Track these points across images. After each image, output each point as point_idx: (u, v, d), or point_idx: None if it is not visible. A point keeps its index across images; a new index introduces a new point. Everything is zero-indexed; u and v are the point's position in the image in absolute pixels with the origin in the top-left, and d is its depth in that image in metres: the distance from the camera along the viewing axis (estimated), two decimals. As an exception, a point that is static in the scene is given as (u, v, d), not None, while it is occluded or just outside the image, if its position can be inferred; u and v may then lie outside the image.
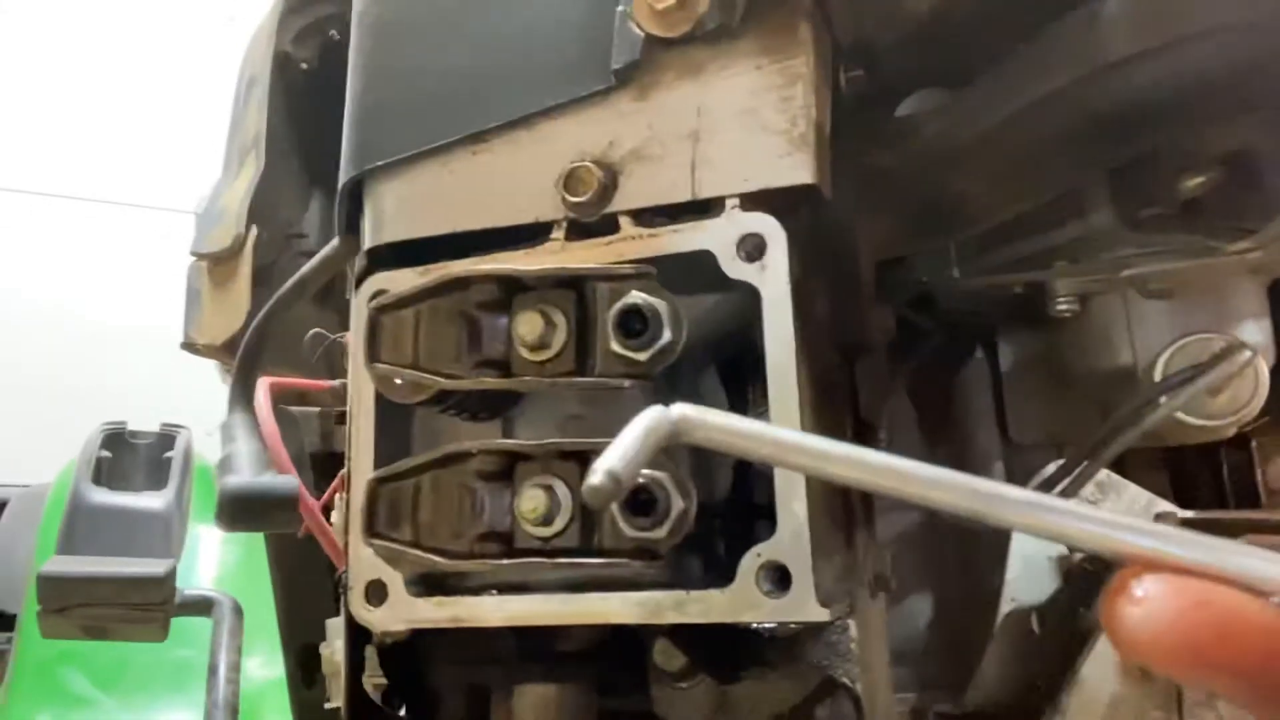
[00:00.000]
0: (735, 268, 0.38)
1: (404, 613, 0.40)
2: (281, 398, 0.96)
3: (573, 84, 0.42)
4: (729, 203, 0.39)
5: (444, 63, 0.44)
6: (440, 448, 0.37)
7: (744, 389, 0.43)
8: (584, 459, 0.35)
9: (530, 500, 0.35)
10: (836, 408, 0.45)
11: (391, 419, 0.43)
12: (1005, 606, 0.49)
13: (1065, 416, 0.53)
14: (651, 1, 0.40)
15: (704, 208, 0.39)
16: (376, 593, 0.41)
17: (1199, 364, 0.37)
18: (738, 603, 0.35)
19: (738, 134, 0.39)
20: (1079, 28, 0.33)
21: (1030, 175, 0.39)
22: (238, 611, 0.98)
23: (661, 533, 0.34)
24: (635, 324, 0.35)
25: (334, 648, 0.93)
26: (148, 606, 0.99)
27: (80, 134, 3.52)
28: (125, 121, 3.54)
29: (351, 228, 0.49)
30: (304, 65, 1.18)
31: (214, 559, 2.09)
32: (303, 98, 1.15)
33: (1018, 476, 0.57)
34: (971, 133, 0.38)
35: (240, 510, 0.45)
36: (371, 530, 0.39)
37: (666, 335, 0.35)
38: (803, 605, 0.35)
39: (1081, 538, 0.24)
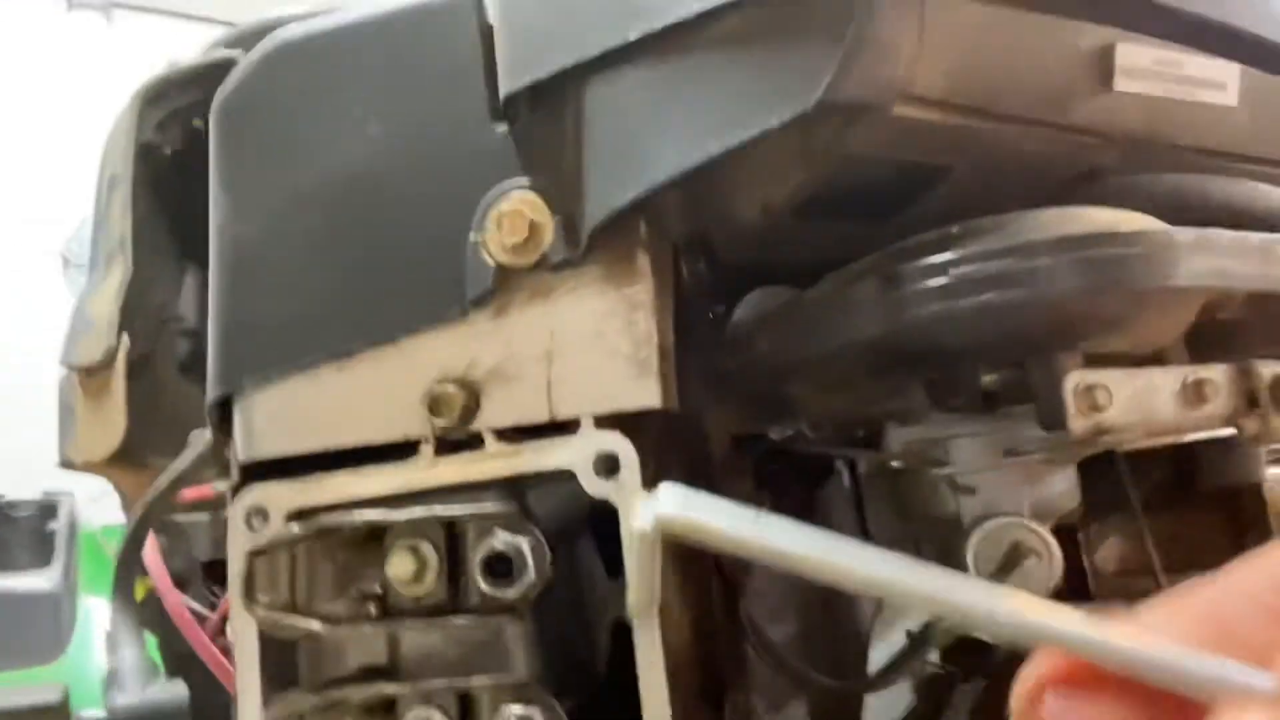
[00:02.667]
0: (594, 485, 0.41)
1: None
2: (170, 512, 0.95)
3: (433, 306, 0.44)
4: (584, 422, 0.42)
5: (307, 284, 0.46)
6: (343, 693, 0.39)
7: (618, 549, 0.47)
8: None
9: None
10: (703, 568, 0.49)
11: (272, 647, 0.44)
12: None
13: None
14: (501, 237, 0.42)
15: (562, 426, 0.42)
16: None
17: (1002, 562, 0.42)
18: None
19: (588, 356, 0.42)
20: (883, 289, 0.38)
21: (853, 389, 0.43)
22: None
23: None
24: (501, 566, 0.38)
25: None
26: (46, 732, 0.97)
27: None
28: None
29: (223, 428, 0.51)
30: (168, 150, 1.16)
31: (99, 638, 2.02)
32: (169, 182, 1.12)
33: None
34: (796, 356, 0.42)
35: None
36: None
37: (530, 576, 0.38)
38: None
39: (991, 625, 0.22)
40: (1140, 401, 0.38)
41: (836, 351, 0.40)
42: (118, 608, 0.53)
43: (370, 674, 0.42)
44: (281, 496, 0.45)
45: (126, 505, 1.07)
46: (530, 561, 0.38)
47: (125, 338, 0.99)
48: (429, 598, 0.39)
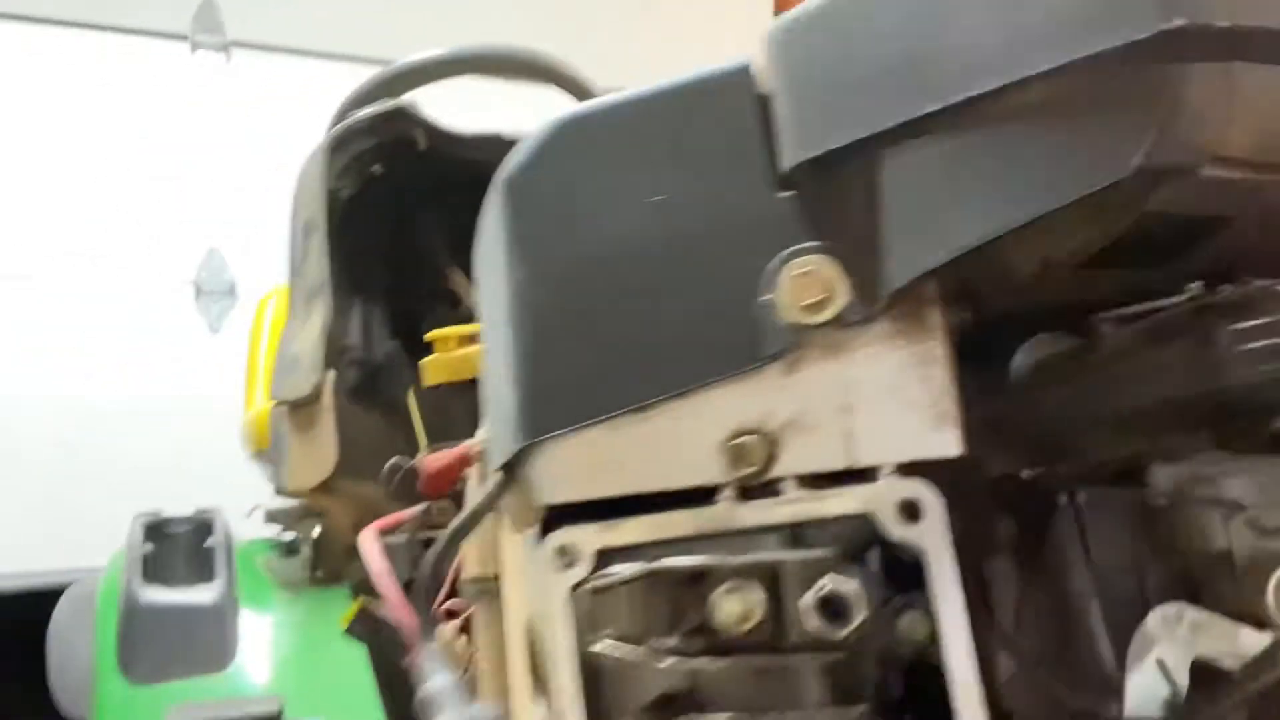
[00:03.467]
0: (897, 530, 0.43)
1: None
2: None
3: (724, 362, 0.47)
4: (885, 470, 0.44)
5: (604, 345, 0.50)
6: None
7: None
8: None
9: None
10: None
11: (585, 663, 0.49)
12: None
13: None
14: (796, 297, 0.45)
15: (860, 474, 0.45)
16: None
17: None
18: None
19: (886, 408, 0.45)
20: (1200, 349, 0.39)
21: (1144, 437, 0.45)
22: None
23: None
24: (834, 608, 0.41)
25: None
26: (265, 741, 1.04)
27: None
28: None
29: (510, 471, 0.55)
30: (344, 194, 1.24)
31: (263, 649, 2.12)
32: (343, 224, 1.20)
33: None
34: (1096, 409, 0.44)
35: (458, 751, 0.50)
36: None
37: (863, 615, 0.41)
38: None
39: None
40: None
41: (1143, 407, 0.42)
42: (423, 636, 0.57)
43: (675, 703, 0.46)
44: (589, 538, 0.49)
45: (331, 527, 1.15)
46: (863, 602, 0.41)
47: (331, 374, 1.07)
48: (755, 635, 0.42)
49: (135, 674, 1.92)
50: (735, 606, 0.43)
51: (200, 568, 2.35)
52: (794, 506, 0.45)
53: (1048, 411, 0.47)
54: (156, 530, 2.38)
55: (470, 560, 0.81)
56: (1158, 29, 0.37)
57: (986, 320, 0.50)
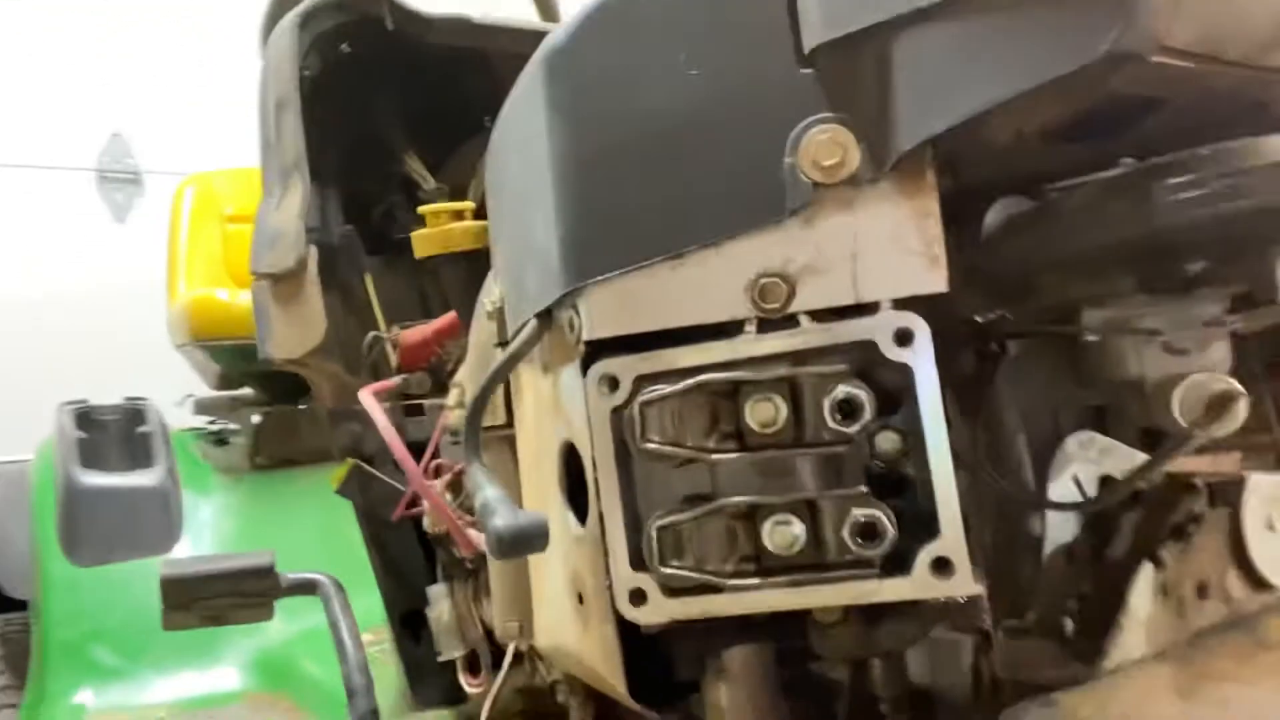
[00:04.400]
0: (892, 352, 0.53)
1: (662, 612, 0.56)
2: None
3: (750, 215, 0.56)
4: (884, 304, 0.54)
5: (643, 200, 0.57)
6: (716, 504, 0.53)
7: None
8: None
9: (779, 532, 0.52)
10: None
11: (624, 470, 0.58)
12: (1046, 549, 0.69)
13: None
14: (816, 160, 0.54)
15: (862, 309, 0.54)
16: (638, 597, 0.57)
17: (1210, 410, 0.55)
18: (917, 586, 0.53)
19: (887, 253, 0.54)
20: (1140, 200, 0.49)
21: (1088, 279, 0.55)
22: (339, 587, 1.11)
23: (876, 551, 0.50)
24: (848, 408, 0.51)
25: (440, 609, 1.09)
26: (259, 593, 1.11)
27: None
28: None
29: (546, 315, 0.63)
30: (308, 74, 1.25)
31: (210, 530, 2.17)
32: (306, 106, 1.22)
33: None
34: (1056, 253, 0.54)
35: (514, 546, 0.59)
36: (641, 563, 0.55)
37: (868, 414, 0.51)
38: (965, 584, 0.52)
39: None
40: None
41: (1094, 249, 0.52)
42: (468, 455, 0.65)
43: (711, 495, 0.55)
44: (629, 366, 0.57)
45: (321, 396, 1.20)
46: (868, 404, 0.50)
47: (313, 248, 1.11)
48: (781, 435, 0.52)
49: (80, 556, 1.95)
50: (764, 413, 0.52)
51: (134, 454, 2.35)
52: (808, 336, 0.55)
53: (1010, 259, 0.57)
54: (86, 418, 2.36)
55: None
56: (1129, -64, 0.45)
57: (962, 186, 0.59)
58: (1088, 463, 0.72)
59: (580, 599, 0.63)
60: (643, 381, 0.57)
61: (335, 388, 1.16)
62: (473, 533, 1.07)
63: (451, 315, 1.19)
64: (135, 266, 3.36)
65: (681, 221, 0.57)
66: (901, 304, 0.54)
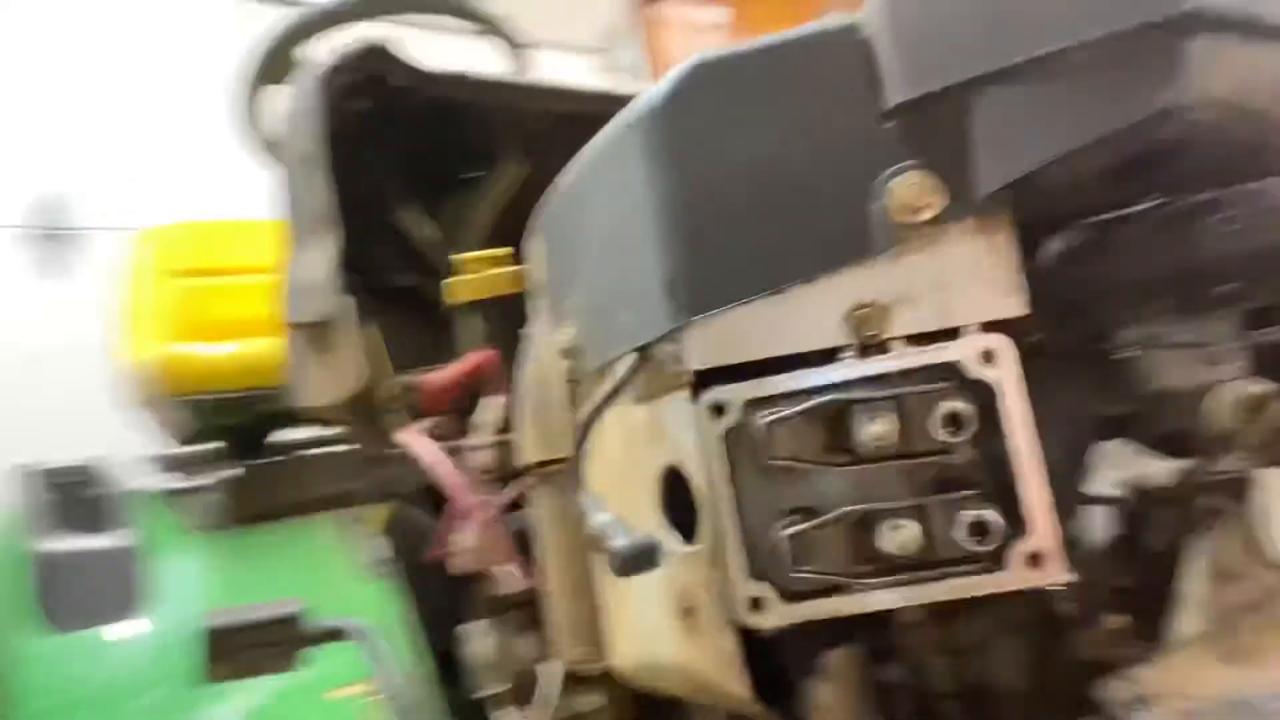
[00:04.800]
0: (978, 371, 0.60)
1: (781, 615, 0.61)
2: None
3: (842, 254, 0.62)
4: (969, 328, 0.61)
5: (744, 244, 0.63)
6: (840, 511, 0.58)
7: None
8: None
9: (896, 535, 0.57)
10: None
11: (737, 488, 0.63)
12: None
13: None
14: (903, 203, 0.61)
15: (950, 333, 0.61)
16: (757, 604, 0.62)
17: (1249, 411, 0.63)
18: (1016, 579, 0.59)
19: (970, 283, 0.61)
20: (1183, 232, 0.58)
21: (1140, 302, 0.64)
22: (366, 631, 1.12)
23: (989, 546, 0.57)
24: (955, 420, 0.57)
25: (481, 645, 1.11)
26: (287, 641, 1.12)
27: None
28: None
29: (645, 351, 0.69)
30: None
31: (193, 588, 2.12)
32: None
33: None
34: (1099, 284, 0.62)
35: (635, 564, 0.63)
36: (758, 572, 0.60)
37: (975, 427, 0.57)
38: (1058, 574, 0.59)
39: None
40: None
41: (1144, 276, 0.60)
42: (580, 486, 0.69)
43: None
44: (738, 393, 0.63)
45: (347, 440, 1.22)
46: (975, 417, 0.57)
47: (351, 297, 1.14)
48: (891, 447, 0.58)
49: (61, 622, 1.89)
50: (877, 428, 0.58)
51: (95, 515, 2.29)
52: (902, 359, 0.61)
53: (1067, 285, 0.64)
54: (50, 481, 2.29)
55: (529, 448, 0.93)
56: (1179, 10, 0.54)
57: (1023, 221, 0.67)
58: (1119, 467, 0.80)
59: (687, 613, 0.68)
60: (751, 406, 0.63)
61: (359, 437, 1.18)
62: (506, 569, 1.10)
63: (475, 358, 1.23)
64: (64, 324, 3.29)
65: (780, 261, 0.63)
66: (986, 326, 0.61)
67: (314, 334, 1.13)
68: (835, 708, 0.66)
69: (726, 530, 0.62)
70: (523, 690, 1.12)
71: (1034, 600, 0.66)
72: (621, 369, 0.70)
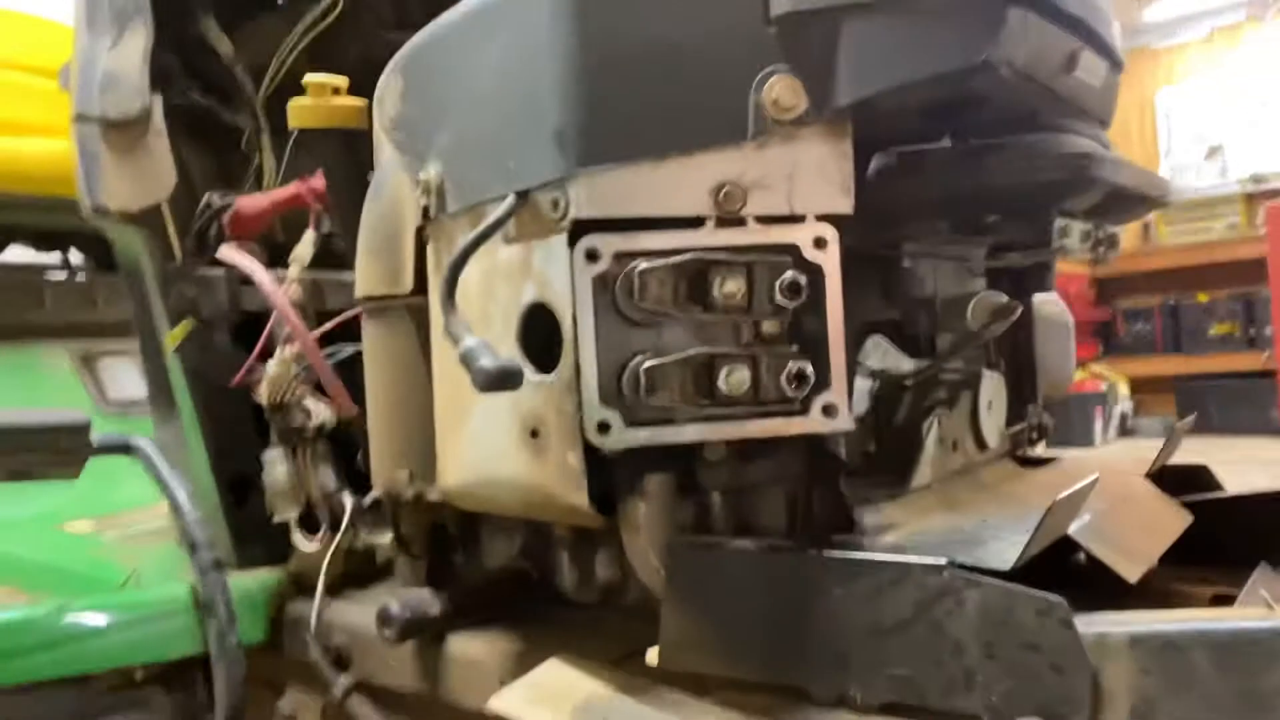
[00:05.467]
0: (811, 254, 0.73)
1: (624, 439, 0.72)
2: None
3: (718, 136, 0.72)
4: (809, 217, 0.73)
5: (636, 108, 0.71)
6: (690, 352, 0.69)
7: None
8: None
9: (733, 378, 0.69)
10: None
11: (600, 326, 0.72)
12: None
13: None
14: (777, 100, 0.71)
15: (794, 218, 0.73)
16: (604, 427, 0.71)
17: (994, 317, 0.81)
18: (811, 423, 0.73)
19: (815, 179, 0.73)
20: (973, 160, 0.73)
21: (927, 217, 0.79)
22: (158, 447, 1.10)
23: (802, 394, 0.70)
24: (793, 289, 0.70)
25: (276, 473, 1.13)
26: (69, 451, 1.07)
27: None
28: None
29: (523, 195, 0.75)
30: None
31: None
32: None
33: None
34: (903, 200, 0.77)
35: (500, 382, 0.70)
36: (608, 399, 0.70)
37: (805, 294, 0.70)
38: (845, 422, 0.74)
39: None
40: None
41: (938, 197, 0.75)
42: (448, 312, 0.74)
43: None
44: (610, 243, 0.71)
45: (132, 257, 1.15)
46: (805, 284, 0.70)
47: (158, 98, 1.07)
48: (739, 304, 0.70)
49: None
50: (729, 286, 0.69)
51: None
52: (753, 234, 0.72)
53: (885, 196, 0.78)
54: None
55: (367, 281, 0.96)
56: (1008, -16, 0.68)
57: (857, 138, 0.80)
58: (876, 358, 0.98)
59: (534, 434, 0.76)
60: (621, 256, 0.71)
61: (158, 251, 1.12)
62: (313, 402, 1.12)
63: (295, 187, 1.20)
64: None
65: (664, 131, 0.72)
66: (821, 218, 0.73)
67: (117, 131, 1.05)
68: (648, 522, 0.78)
69: (586, 361, 0.71)
70: (314, 518, 1.16)
71: (811, 448, 0.81)
72: (498, 209, 0.75)
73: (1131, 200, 0.84)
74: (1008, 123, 0.81)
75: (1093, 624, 0.59)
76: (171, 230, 1.12)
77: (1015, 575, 0.63)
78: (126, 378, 1.97)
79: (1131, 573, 0.75)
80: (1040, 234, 0.78)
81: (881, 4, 0.70)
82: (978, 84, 0.73)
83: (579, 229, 0.72)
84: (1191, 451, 0.98)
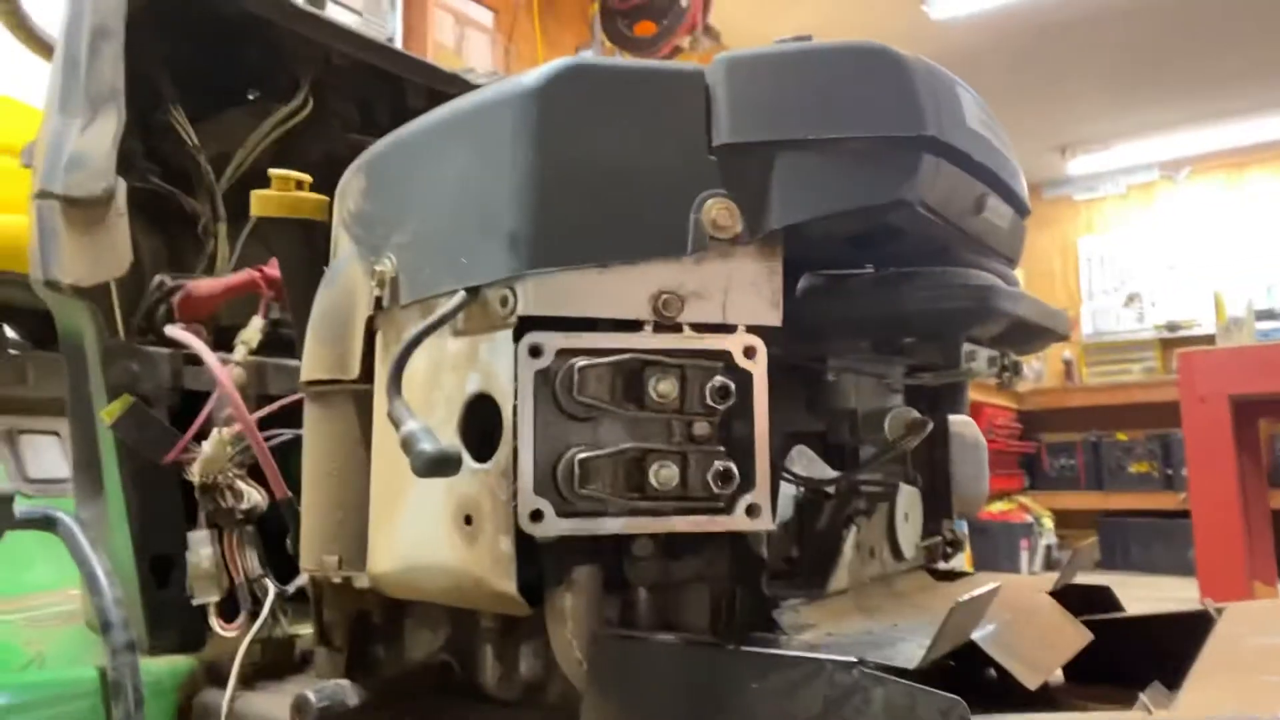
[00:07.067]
0: (741, 361, 0.78)
1: (556, 527, 0.74)
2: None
3: (662, 248, 0.78)
4: (740, 327, 0.79)
5: (585, 220, 0.77)
6: (623, 446, 0.73)
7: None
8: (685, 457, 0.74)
9: (663, 473, 0.73)
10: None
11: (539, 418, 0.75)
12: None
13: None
14: (715, 220, 0.78)
15: (726, 328, 0.79)
16: (537, 515, 0.74)
17: (909, 430, 0.87)
18: (734, 522, 0.77)
19: (747, 293, 0.79)
20: (894, 289, 0.81)
21: (847, 335, 0.86)
22: (80, 523, 1.08)
23: (727, 492, 0.74)
24: (722, 393, 0.74)
25: (200, 555, 1.12)
26: (-9, 523, 1.05)
27: None
28: None
29: (474, 291, 0.79)
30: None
31: None
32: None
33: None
34: (833, 316, 0.83)
35: (439, 467, 0.72)
36: (542, 490, 0.73)
37: (734, 399, 0.75)
38: (766, 522, 0.77)
39: None
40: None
41: (857, 318, 0.82)
42: (393, 396, 0.77)
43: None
44: (554, 340, 0.76)
45: (75, 331, 1.16)
46: (734, 389, 0.74)
47: (122, 181, 1.11)
48: (671, 404, 0.74)
49: None
50: (663, 386, 0.74)
51: None
52: (688, 340, 0.78)
53: (811, 313, 0.85)
54: None
55: (315, 365, 0.98)
56: (920, 132, 0.76)
57: (786, 258, 0.87)
58: (801, 468, 1.03)
59: (468, 520, 0.78)
60: (563, 353, 0.76)
61: (104, 326, 1.14)
62: (245, 485, 1.13)
63: (249, 274, 1.23)
64: None
65: (610, 242, 0.77)
66: (751, 329, 0.79)
67: (78, 210, 1.08)
68: (574, 613, 0.80)
69: (524, 450, 0.74)
70: (235, 604, 1.14)
71: (735, 549, 0.85)
72: (449, 303, 0.80)
73: (1034, 331, 0.91)
74: (923, 255, 0.89)
75: (989, 723, 0.62)
76: (117, 307, 1.14)
77: (928, 682, 0.66)
78: (48, 456, 1.93)
79: (1032, 680, 0.79)
80: (951, 357, 0.85)
81: (812, 142, 0.78)
82: (894, 219, 0.81)
83: (525, 325, 0.76)
84: (1115, 588, 1.04)
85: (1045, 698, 0.86)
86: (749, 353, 0.78)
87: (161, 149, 1.54)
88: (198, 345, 1.07)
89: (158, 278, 1.20)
